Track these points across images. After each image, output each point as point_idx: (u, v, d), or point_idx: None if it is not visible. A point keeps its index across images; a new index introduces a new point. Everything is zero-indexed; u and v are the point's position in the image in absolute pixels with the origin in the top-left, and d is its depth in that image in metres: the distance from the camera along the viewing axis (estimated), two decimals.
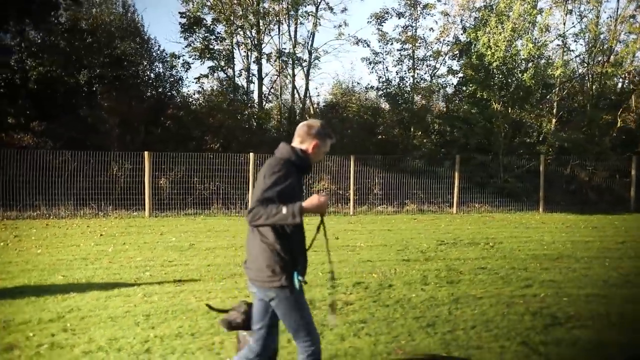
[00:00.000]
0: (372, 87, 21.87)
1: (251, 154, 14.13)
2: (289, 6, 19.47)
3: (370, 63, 20.96)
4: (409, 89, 20.71)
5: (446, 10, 21.12)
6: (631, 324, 4.88)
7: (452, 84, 21.38)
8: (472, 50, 18.13)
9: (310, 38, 20.47)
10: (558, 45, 19.97)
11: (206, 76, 20.08)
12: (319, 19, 20.08)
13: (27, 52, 16.02)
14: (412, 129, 20.15)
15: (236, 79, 20.37)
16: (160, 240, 9.40)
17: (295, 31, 20.22)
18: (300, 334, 2.81)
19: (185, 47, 19.48)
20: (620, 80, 21.11)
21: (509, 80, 17.32)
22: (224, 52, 19.95)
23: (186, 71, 20.27)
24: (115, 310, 5.01)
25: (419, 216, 14.57)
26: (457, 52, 20.27)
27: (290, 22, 20.11)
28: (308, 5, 19.95)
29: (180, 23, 19.25)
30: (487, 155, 17.56)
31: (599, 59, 19.89)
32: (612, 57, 19.71)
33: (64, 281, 6.24)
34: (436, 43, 20.76)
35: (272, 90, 21.56)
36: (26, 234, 9.88)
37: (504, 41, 16.56)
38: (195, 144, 16.93)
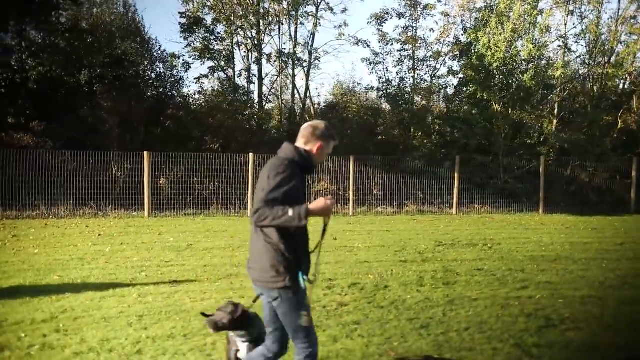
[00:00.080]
0: (372, 88, 21.87)
1: (251, 155, 14.13)
2: (289, 6, 19.48)
3: (370, 63, 20.94)
4: (409, 90, 20.68)
5: (446, 10, 21.12)
6: (626, 326, 4.86)
7: (453, 84, 21.43)
8: (473, 51, 18.11)
9: (311, 38, 20.50)
10: (559, 46, 19.97)
11: (206, 76, 20.12)
12: (319, 20, 20.09)
13: (27, 52, 16.07)
14: (412, 130, 20.12)
15: (236, 79, 20.41)
16: (158, 241, 9.40)
17: (296, 31, 20.25)
18: (300, 334, 2.82)
19: (185, 47, 19.51)
20: (622, 81, 21.03)
21: (510, 81, 17.28)
22: (224, 53, 19.96)
23: (186, 71, 20.39)
24: (109, 311, 5.01)
25: (418, 217, 14.55)
26: (457, 52, 20.22)
27: (291, 22, 20.12)
28: (308, 5, 19.95)
29: (180, 23, 19.27)
30: (488, 156, 17.53)
31: (600, 60, 19.81)
32: (613, 58, 19.63)
33: (59, 281, 6.24)
34: (436, 44, 20.74)
35: (272, 91, 21.59)
36: (25, 233, 9.89)
37: (504, 42, 16.53)
38: (195, 144, 16.93)
